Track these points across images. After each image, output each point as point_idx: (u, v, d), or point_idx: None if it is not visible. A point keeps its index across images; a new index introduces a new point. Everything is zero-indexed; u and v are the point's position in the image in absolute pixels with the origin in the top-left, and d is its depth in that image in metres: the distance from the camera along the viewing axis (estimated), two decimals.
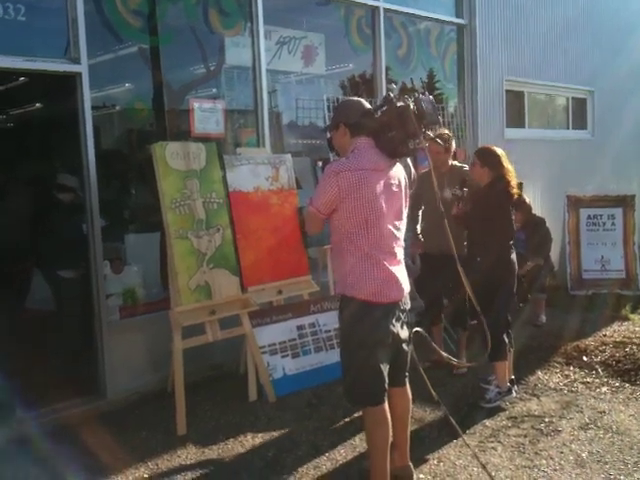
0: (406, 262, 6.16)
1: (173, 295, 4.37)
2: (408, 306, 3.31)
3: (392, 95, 3.11)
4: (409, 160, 3.40)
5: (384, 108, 3.12)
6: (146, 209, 5.01)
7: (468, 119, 7.52)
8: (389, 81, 6.78)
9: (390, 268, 3.14)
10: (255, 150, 5.37)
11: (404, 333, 3.25)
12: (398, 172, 3.24)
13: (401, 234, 3.25)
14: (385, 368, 3.16)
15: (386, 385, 3.17)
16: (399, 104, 3.08)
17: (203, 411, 4.57)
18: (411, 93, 3.14)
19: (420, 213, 5.45)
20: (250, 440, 4.13)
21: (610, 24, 9.64)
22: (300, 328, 5.04)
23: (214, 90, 5.72)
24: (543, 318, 6.66)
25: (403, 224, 3.27)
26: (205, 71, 5.67)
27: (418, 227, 5.46)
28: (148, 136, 5.16)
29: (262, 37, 5.58)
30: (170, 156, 4.38)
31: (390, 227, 3.15)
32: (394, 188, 3.18)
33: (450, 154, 5.24)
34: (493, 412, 4.44)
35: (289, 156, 5.19)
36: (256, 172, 4.92)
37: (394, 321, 3.17)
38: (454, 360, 3.60)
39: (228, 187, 4.72)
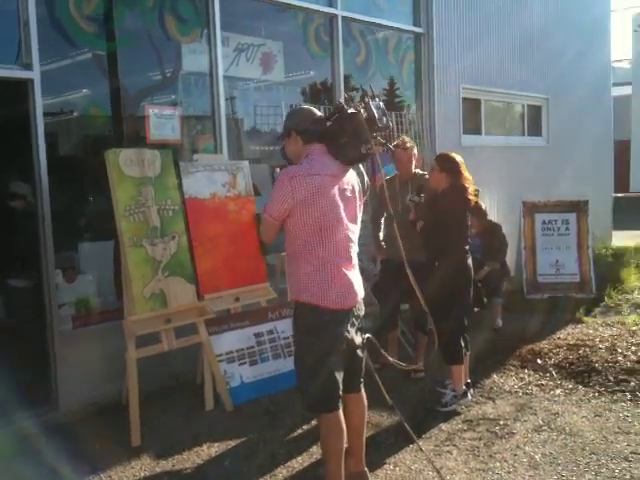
0: (365, 265, 6.24)
1: (127, 304, 4.31)
2: (362, 312, 3.33)
3: (343, 102, 3.13)
4: (362, 167, 3.43)
5: (335, 116, 3.14)
6: (101, 217, 4.93)
7: (426, 126, 7.61)
8: (350, 90, 6.83)
9: (345, 273, 3.15)
10: (212, 156, 5.34)
11: (358, 339, 3.27)
12: (351, 178, 3.27)
13: (355, 239, 3.27)
14: (339, 374, 3.16)
15: (340, 392, 3.17)
16: (350, 111, 3.11)
17: (159, 421, 4.51)
18: (361, 99, 3.17)
19: (383, 220, 5.50)
20: (206, 450, 4.09)
21: (565, 35, 9.88)
22: (258, 335, 5.02)
23: (171, 96, 5.66)
24: (499, 322, 6.76)
25: (357, 229, 3.30)
26: (161, 77, 5.62)
27: (380, 234, 5.51)
28: (103, 143, 5.07)
29: (219, 44, 5.55)
30: (124, 163, 4.33)
31: (345, 232, 3.17)
32: (348, 193, 3.21)
33: (412, 161, 5.31)
34: (449, 416, 4.49)
35: (246, 163, 5.17)
36: (213, 179, 4.88)
37: (349, 327, 3.18)
38: (401, 364, 3.62)
39: (184, 194, 4.68)
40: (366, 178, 3.46)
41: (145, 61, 5.43)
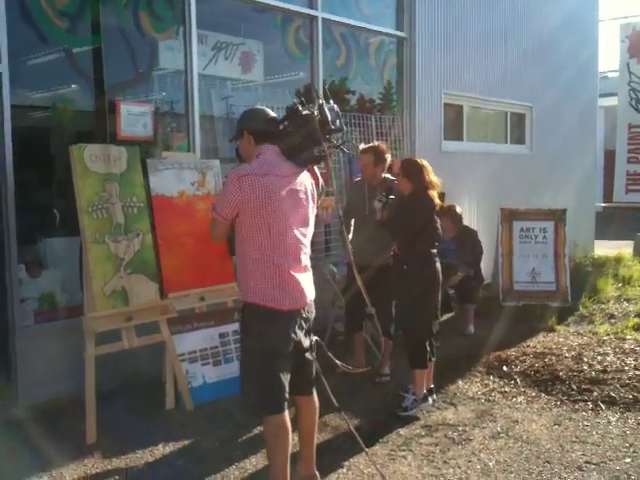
0: (329, 268, 6.23)
1: (87, 301, 4.29)
2: (312, 314, 3.32)
3: (297, 105, 3.13)
4: (317, 169, 3.42)
5: (290, 117, 3.13)
6: (69, 212, 4.90)
7: (406, 131, 7.62)
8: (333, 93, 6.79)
9: (293, 275, 3.14)
10: (182, 155, 5.33)
11: (307, 341, 3.26)
12: (304, 180, 3.26)
13: (307, 241, 3.26)
14: (286, 376, 3.15)
15: (286, 394, 3.16)
16: (304, 113, 3.10)
17: (118, 419, 4.49)
18: (316, 102, 3.16)
19: (352, 223, 5.50)
20: (161, 449, 4.07)
21: (551, 41, 9.91)
22: (223, 336, 4.99)
23: (144, 93, 5.65)
24: (471, 328, 6.76)
25: (309, 231, 3.29)
26: (135, 74, 5.60)
27: (349, 236, 5.50)
28: (73, 138, 5.05)
29: (195, 41, 5.54)
30: (89, 159, 4.31)
31: (295, 234, 3.16)
32: (300, 195, 3.19)
33: (381, 167, 5.30)
34: (409, 421, 4.48)
35: (217, 162, 5.15)
36: (181, 177, 4.87)
37: (296, 329, 3.17)
38: (348, 367, 3.58)
39: (151, 191, 4.66)
40: (321, 180, 3.45)
41: (119, 57, 5.38)
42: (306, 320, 3.24)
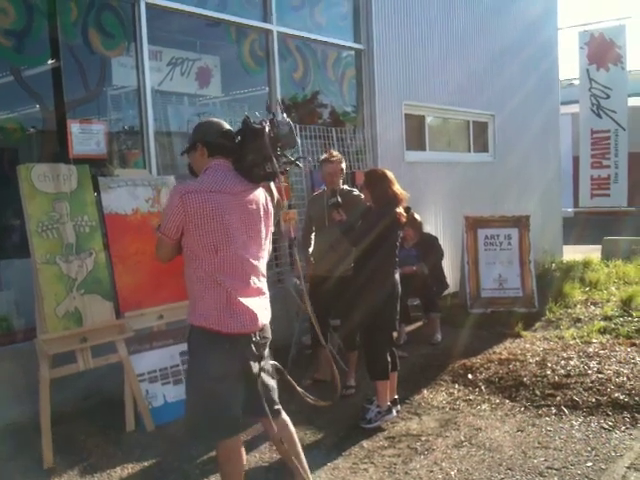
0: (292, 281, 6.19)
1: (39, 323, 4.20)
2: (266, 339, 3.13)
3: (249, 118, 3.04)
4: (273, 185, 3.31)
5: (242, 132, 3.04)
6: (23, 233, 4.81)
7: (367, 142, 7.62)
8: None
9: (242, 298, 2.96)
10: (135, 171, 5.27)
11: (257, 367, 3.06)
12: (258, 196, 3.09)
13: (261, 263, 3.09)
14: (236, 400, 3.00)
15: (237, 419, 3.02)
16: (256, 127, 2.98)
17: (77, 442, 4.38)
18: (268, 116, 3.08)
19: (313, 236, 5.49)
20: (119, 471, 3.98)
21: (512, 49, 10.03)
22: (183, 354, 4.90)
23: (96, 111, 5.58)
24: (438, 337, 6.74)
25: (263, 251, 3.13)
26: (86, 91, 5.53)
27: (310, 250, 5.49)
28: (25, 158, 4.98)
29: (146, 58, 5.48)
30: (37, 178, 4.24)
31: (244, 254, 2.98)
32: (252, 213, 3.03)
33: (340, 175, 5.32)
34: (372, 432, 4.43)
35: (172, 178, 5.10)
36: (135, 194, 4.80)
37: (246, 353, 3.00)
38: (309, 397, 3.34)
39: (104, 209, 4.59)
40: (277, 196, 3.33)
41: (69, 75, 5.29)
42: (257, 344, 3.04)
